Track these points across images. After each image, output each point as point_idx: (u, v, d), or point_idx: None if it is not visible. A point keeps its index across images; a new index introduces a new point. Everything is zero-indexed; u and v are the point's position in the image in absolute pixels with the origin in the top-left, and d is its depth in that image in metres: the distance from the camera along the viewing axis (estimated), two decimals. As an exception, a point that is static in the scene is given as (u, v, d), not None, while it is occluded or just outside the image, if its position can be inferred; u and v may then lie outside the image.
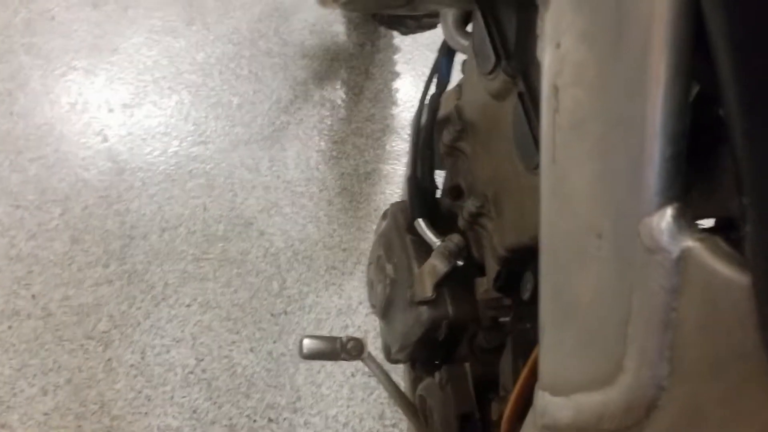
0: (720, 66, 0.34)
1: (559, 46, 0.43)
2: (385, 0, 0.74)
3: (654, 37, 0.38)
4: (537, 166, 0.63)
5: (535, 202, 0.66)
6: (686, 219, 0.39)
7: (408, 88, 1.71)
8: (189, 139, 1.58)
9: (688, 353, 0.39)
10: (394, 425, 1.37)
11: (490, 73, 0.68)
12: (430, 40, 1.73)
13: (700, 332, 0.39)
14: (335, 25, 1.72)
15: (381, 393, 1.40)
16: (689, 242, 0.38)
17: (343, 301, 1.49)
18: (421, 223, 0.81)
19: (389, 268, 0.87)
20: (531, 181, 0.65)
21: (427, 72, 0.97)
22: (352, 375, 1.42)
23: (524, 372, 0.58)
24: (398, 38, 1.73)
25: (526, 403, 0.59)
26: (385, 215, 0.92)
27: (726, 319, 0.37)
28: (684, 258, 0.38)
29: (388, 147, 1.65)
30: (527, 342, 0.69)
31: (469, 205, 0.74)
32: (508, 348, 0.71)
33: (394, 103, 1.69)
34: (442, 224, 0.83)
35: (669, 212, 0.39)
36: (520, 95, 0.64)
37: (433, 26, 1.50)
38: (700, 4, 0.36)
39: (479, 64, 0.71)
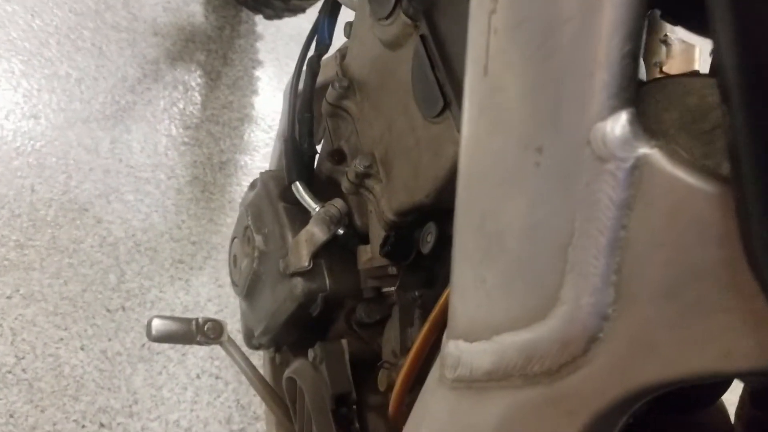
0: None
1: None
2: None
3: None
4: (440, 113, 0.58)
5: (434, 154, 0.62)
6: (641, 126, 0.35)
7: (269, 78, 1.63)
8: (17, 111, 1.39)
9: (638, 276, 0.36)
10: (242, 430, 1.26)
11: (388, 17, 0.63)
12: (295, 31, 1.67)
13: (654, 251, 0.35)
14: (192, 4, 1.60)
15: (229, 396, 1.30)
16: (646, 149, 0.35)
17: (190, 297, 1.37)
18: (299, 187, 0.74)
19: (258, 239, 0.78)
20: (430, 132, 0.60)
21: (291, 64, 0.90)
22: (198, 377, 1.30)
23: (425, 328, 0.52)
24: (261, 25, 1.65)
25: (424, 365, 0.54)
26: (253, 185, 0.84)
27: (685, 234, 0.34)
28: (640, 167, 0.35)
29: (246, 137, 1.56)
30: (415, 310, 0.64)
31: (357, 164, 0.68)
32: (395, 317, 0.65)
33: (254, 92, 1.60)
34: (320, 192, 0.76)
35: (624, 117, 0.35)
36: (423, 38, 0.59)
37: (301, 10, 1.44)
38: None
39: (374, 11, 0.66)
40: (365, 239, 0.72)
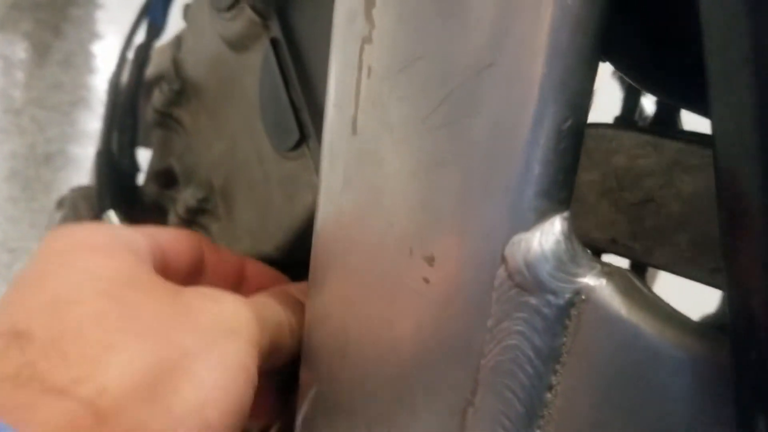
0: None
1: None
2: None
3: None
4: (295, 147, 0.44)
5: (286, 197, 0.48)
6: (579, 240, 0.23)
7: (110, 55, 1.41)
8: None
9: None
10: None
11: (230, 8, 0.48)
12: None
13: (595, 430, 0.23)
14: (17, -37, 1.36)
15: None
16: (590, 278, 0.23)
17: (2, 312, 1.15)
18: (111, 217, 0.58)
19: (63, 278, 0.61)
20: (282, 169, 0.46)
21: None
22: None
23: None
24: (101, -7, 1.43)
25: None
26: (61, 204, 0.67)
27: (643, 408, 0.22)
28: (579, 305, 0.23)
29: (79, 125, 1.34)
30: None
31: (188, 196, 0.53)
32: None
33: (91, 70, 1.38)
34: (143, 221, 0.60)
35: (558, 225, 0.23)
36: (274, 43, 0.45)
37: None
38: None
39: (213, -1, 0.51)
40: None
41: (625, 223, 0.35)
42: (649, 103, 0.50)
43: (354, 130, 0.26)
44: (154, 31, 0.66)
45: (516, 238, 0.23)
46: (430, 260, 0.24)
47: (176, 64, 0.59)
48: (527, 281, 0.22)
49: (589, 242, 0.36)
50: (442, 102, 0.23)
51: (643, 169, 0.34)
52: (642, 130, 0.36)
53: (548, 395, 0.23)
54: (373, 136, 0.26)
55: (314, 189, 0.42)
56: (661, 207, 0.33)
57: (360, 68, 0.26)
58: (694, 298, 0.41)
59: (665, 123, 0.43)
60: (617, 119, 0.44)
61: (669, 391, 0.22)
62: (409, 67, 0.24)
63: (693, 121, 0.39)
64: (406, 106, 0.24)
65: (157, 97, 0.58)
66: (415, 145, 0.24)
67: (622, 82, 0.52)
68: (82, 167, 1.32)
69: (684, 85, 0.28)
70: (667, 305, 0.22)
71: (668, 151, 0.33)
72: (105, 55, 1.40)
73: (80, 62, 1.36)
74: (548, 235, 0.22)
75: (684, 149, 0.33)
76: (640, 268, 0.43)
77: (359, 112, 0.26)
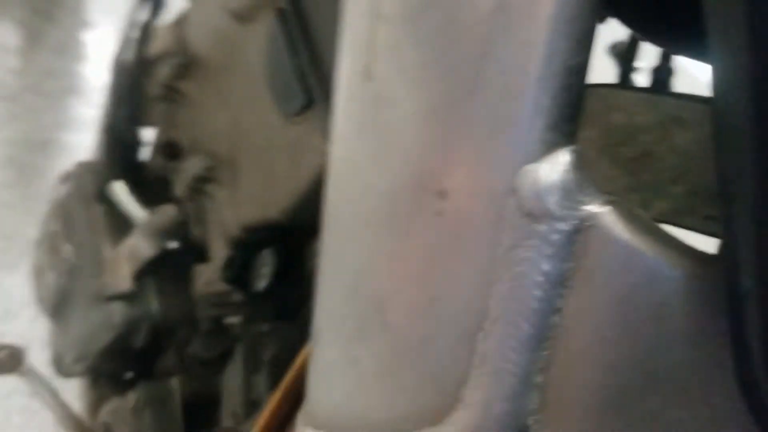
0: None
1: None
2: None
3: None
4: (300, 112, 0.46)
5: (291, 162, 0.49)
6: (585, 172, 0.25)
7: (104, 43, 1.42)
8: None
9: (573, 378, 0.26)
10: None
11: (237, -19, 0.50)
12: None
13: (596, 346, 0.25)
14: (11, -50, 1.36)
15: (48, 417, 1.11)
16: (595, 206, 0.24)
17: (1, 302, 1.16)
18: (119, 188, 0.59)
19: (68, 249, 0.63)
20: (287, 134, 0.48)
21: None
22: (8, 396, 1.11)
23: (276, 397, 0.40)
24: (97, -18, 1.44)
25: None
26: (66, 177, 0.68)
27: (642, 327, 0.24)
28: (584, 231, 0.24)
29: (72, 112, 1.35)
30: (264, 351, 0.52)
31: (194, 165, 0.55)
32: (238, 358, 0.53)
33: (84, 58, 1.39)
34: (148, 193, 0.62)
35: (565, 158, 0.24)
36: (281, 13, 0.46)
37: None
38: None
39: (220, -28, 0.52)
40: (204, 254, 0.59)
41: (624, 177, 0.37)
42: (641, 79, 0.52)
43: (368, 76, 0.28)
44: (156, 8, 0.67)
45: (526, 169, 0.24)
46: (443, 194, 0.26)
47: (181, 40, 0.60)
48: (536, 210, 0.24)
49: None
50: (455, 41, 0.25)
51: (640, 125, 0.36)
52: (639, 89, 0.37)
53: (555, 318, 0.25)
54: (388, 81, 0.27)
55: (320, 152, 0.44)
56: (657, 160, 0.35)
57: (372, 15, 0.27)
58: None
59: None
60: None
61: (667, 308, 0.23)
62: (422, 13, 0.26)
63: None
64: (421, 50, 0.26)
65: (163, 71, 0.59)
66: (430, 87, 0.26)
67: (615, 56, 0.54)
68: (75, 154, 1.32)
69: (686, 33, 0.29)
70: (665, 231, 0.24)
71: (664, 108, 0.35)
72: (99, 43, 1.41)
73: (73, 50, 1.37)
74: (556, 165, 0.24)
75: (678, 105, 0.35)
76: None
77: (374, 57, 0.28)
